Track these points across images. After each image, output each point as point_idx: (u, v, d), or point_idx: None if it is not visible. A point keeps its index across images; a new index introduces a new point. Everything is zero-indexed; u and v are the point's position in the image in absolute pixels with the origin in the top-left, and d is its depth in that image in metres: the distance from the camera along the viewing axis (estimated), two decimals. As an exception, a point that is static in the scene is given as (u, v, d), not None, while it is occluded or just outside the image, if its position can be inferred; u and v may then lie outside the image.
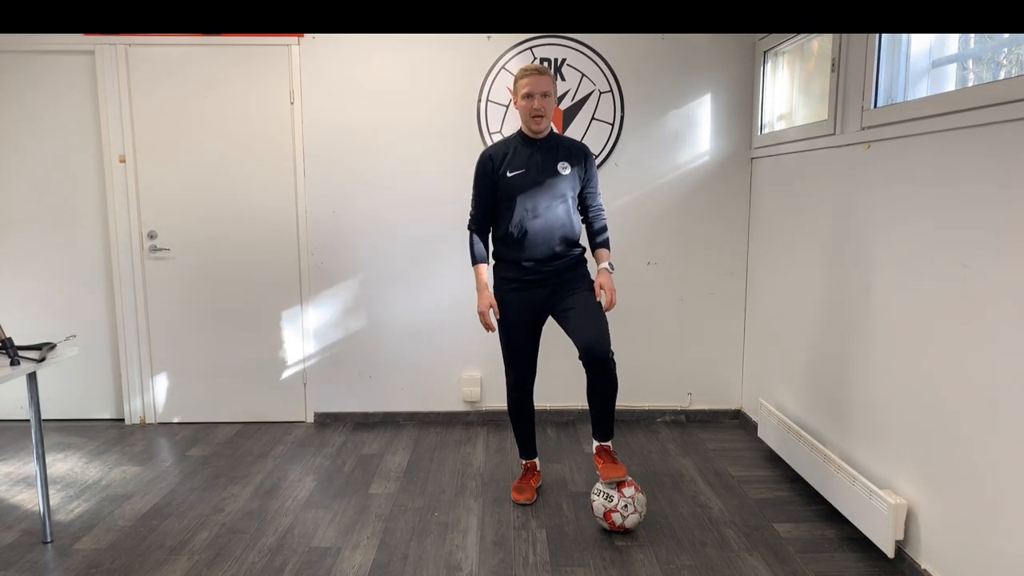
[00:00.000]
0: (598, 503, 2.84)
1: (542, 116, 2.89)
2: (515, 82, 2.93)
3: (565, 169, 2.94)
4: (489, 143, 3.98)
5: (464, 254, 3.78)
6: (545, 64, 3.95)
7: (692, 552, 2.70)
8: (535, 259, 2.95)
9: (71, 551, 2.73)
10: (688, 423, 4.20)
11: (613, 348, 4.19)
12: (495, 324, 3.03)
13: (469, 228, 3.07)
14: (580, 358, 2.86)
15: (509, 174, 2.93)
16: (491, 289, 3.06)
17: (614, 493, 2.82)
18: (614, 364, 2.89)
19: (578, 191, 3.02)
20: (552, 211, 2.93)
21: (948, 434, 2.29)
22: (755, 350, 4.03)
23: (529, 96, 2.87)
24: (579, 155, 3.00)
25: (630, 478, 2.91)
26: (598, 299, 2.98)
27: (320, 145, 4.03)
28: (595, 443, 3.00)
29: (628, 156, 4.04)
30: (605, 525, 2.83)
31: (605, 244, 3.07)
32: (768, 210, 3.83)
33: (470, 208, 3.06)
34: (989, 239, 2.09)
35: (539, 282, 2.98)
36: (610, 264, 3.03)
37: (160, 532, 2.87)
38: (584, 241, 3.09)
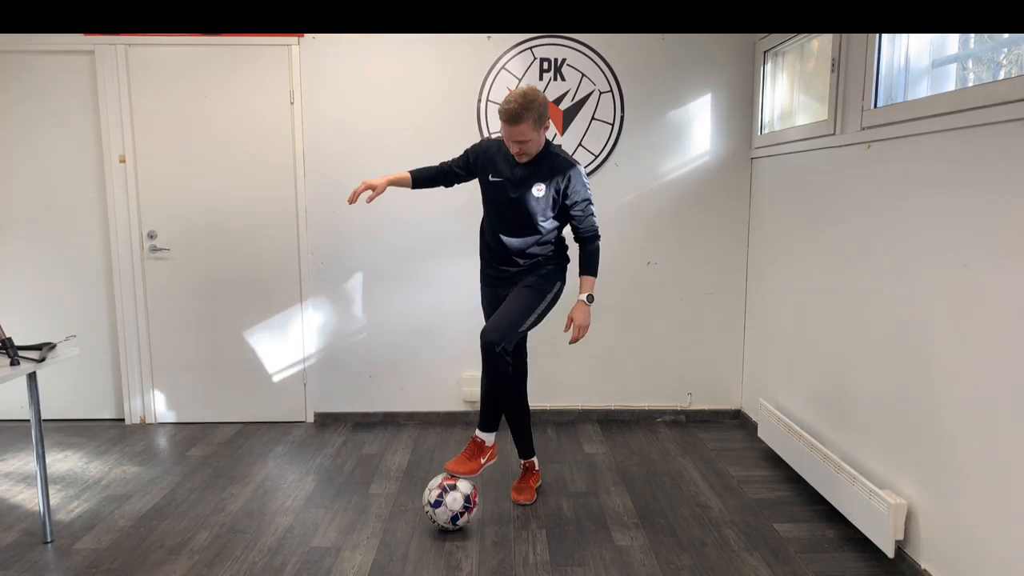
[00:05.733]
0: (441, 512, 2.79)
1: (522, 154, 2.81)
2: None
3: (539, 191, 2.83)
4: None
5: (462, 254, 3.78)
6: (548, 63, 3.95)
7: (692, 552, 2.70)
8: (498, 261, 2.99)
9: (71, 551, 2.73)
10: (688, 423, 4.19)
11: (613, 347, 4.15)
12: (357, 200, 2.90)
13: (440, 163, 3.08)
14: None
15: (490, 178, 2.92)
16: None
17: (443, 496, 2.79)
18: (502, 362, 2.84)
19: (556, 211, 2.89)
20: (518, 229, 2.90)
21: (948, 434, 2.29)
22: (755, 350, 4.03)
23: (507, 139, 2.79)
24: (560, 177, 2.83)
25: (466, 481, 2.86)
26: (565, 331, 2.94)
27: (320, 145, 4.03)
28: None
29: (628, 156, 4.04)
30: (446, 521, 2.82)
31: (591, 271, 2.92)
32: (768, 210, 3.83)
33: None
34: (989, 239, 2.09)
35: (502, 280, 3.01)
36: (589, 296, 2.89)
37: (160, 532, 2.87)
38: (568, 242, 3.06)
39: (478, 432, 2.94)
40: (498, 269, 3.00)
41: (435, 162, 3.07)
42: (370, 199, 2.92)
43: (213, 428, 4.14)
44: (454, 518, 2.79)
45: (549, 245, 2.97)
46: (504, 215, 2.91)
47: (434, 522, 2.82)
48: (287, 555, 2.69)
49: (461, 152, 3.06)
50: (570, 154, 2.99)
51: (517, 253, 2.94)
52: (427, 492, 2.85)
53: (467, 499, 2.81)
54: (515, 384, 3.05)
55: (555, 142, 4.06)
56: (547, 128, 2.80)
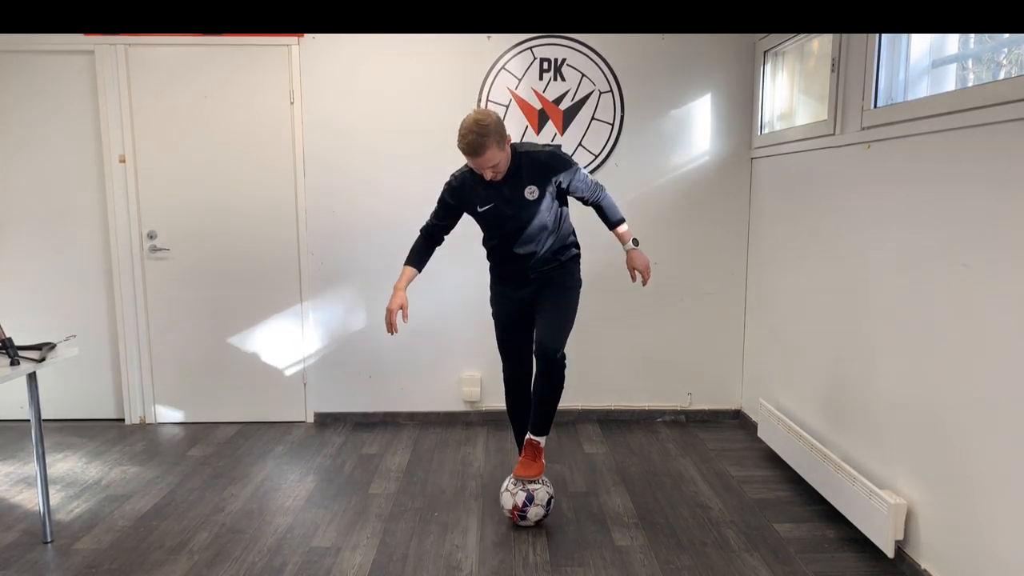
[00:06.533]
0: (506, 497, 2.89)
1: (497, 175, 2.76)
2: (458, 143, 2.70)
3: (533, 194, 2.80)
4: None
5: (462, 254, 3.77)
6: (548, 63, 3.95)
7: (692, 552, 2.70)
8: (518, 269, 2.96)
9: (71, 551, 2.73)
10: (688, 423, 4.20)
11: (613, 347, 4.14)
12: (398, 327, 2.94)
13: (421, 230, 3.02)
14: (534, 351, 2.87)
15: (480, 208, 2.87)
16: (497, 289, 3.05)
17: (518, 489, 2.86)
18: (562, 365, 2.85)
19: (557, 201, 2.88)
20: (531, 237, 2.87)
21: (948, 434, 2.29)
22: (755, 350, 4.03)
23: (478, 169, 2.74)
24: (545, 171, 2.81)
25: (543, 478, 2.91)
26: (633, 282, 3.01)
27: (320, 145, 4.03)
28: (527, 434, 2.95)
29: (628, 156, 4.04)
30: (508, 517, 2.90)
31: (620, 221, 3.00)
32: (768, 210, 3.83)
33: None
34: (989, 239, 2.09)
35: (526, 282, 2.98)
36: (634, 240, 2.99)
37: (160, 532, 2.87)
38: (589, 231, 3.10)
39: (532, 436, 2.91)
40: (519, 274, 2.97)
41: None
42: (404, 317, 2.93)
43: (213, 428, 4.14)
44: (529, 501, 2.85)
45: (564, 236, 2.96)
46: (511, 233, 2.88)
47: (526, 496, 2.86)
48: (287, 555, 2.69)
49: (438, 199, 2.97)
50: (540, 144, 3.00)
51: (537, 258, 2.93)
52: (544, 491, 2.88)
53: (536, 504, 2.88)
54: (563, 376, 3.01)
55: (555, 142, 4.07)
56: (509, 140, 2.75)
